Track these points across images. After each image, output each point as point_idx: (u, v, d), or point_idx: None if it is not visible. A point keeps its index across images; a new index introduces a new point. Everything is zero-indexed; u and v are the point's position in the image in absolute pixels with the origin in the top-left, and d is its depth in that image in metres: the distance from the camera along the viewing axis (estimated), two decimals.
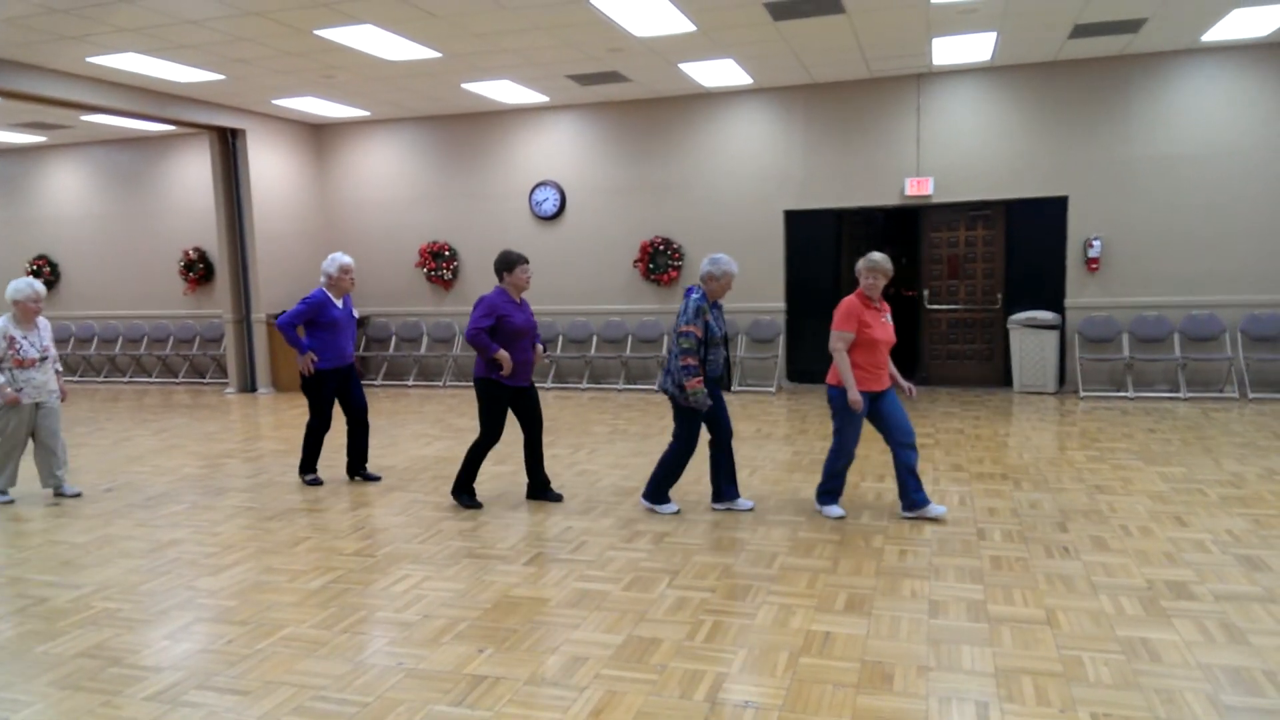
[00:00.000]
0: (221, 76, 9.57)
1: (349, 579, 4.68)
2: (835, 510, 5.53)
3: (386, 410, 10.26)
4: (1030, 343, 10.12)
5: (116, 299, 13.99)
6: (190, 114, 10.77)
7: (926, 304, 10.99)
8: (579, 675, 3.50)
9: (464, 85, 10.31)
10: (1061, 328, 10.15)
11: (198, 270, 13.27)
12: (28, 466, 6.80)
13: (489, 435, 5.88)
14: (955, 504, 5.76)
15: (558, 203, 11.82)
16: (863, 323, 5.25)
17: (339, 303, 6.60)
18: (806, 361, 11.40)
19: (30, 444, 6.51)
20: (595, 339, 11.79)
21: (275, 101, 11.05)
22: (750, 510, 5.75)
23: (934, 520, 5.42)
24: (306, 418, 6.74)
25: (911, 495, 5.43)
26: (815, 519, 5.51)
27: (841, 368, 5.25)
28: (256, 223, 11.85)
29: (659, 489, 5.74)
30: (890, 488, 6.19)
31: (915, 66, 9.95)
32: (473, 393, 11.55)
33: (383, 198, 12.70)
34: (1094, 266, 9.98)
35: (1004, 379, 10.72)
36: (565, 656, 3.67)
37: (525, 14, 7.59)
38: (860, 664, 3.53)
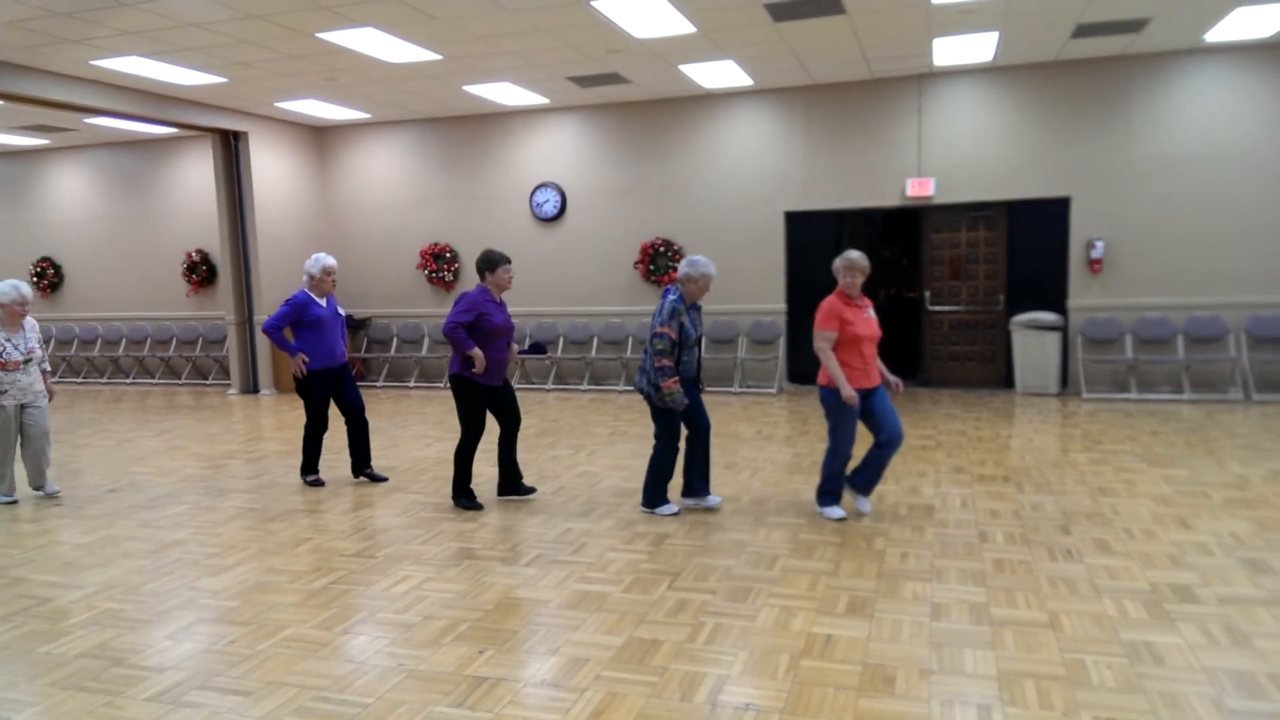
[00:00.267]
0: (224, 79, 9.58)
1: (350, 580, 4.67)
2: (836, 511, 5.52)
3: (388, 411, 10.26)
4: (1032, 344, 10.11)
5: (120, 301, 14.01)
6: (193, 116, 10.79)
7: (928, 305, 10.98)
8: (579, 677, 3.49)
9: (465, 87, 10.31)
10: (1064, 329, 10.13)
11: (200, 272, 13.28)
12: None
13: (470, 434, 5.91)
14: (957, 506, 5.75)
15: (558, 204, 11.82)
16: (844, 320, 5.26)
17: (322, 302, 6.61)
18: (807, 363, 11.39)
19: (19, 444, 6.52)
20: (596, 340, 11.79)
21: (277, 104, 11.06)
22: (716, 508, 5.78)
23: (836, 520, 5.48)
24: (306, 417, 6.75)
25: (862, 484, 5.53)
26: (816, 521, 5.50)
27: (830, 367, 5.26)
28: (259, 225, 11.86)
29: (653, 493, 5.74)
30: (891, 489, 6.19)
31: (916, 67, 9.95)
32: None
33: (384, 199, 12.71)
34: (1097, 267, 9.97)
35: (1006, 381, 10.71)
36: (566, 658, 3.66)
37: (525, 16, 7.59)
38: (862, 667, 3.52)
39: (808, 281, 11.18)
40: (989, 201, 10.39)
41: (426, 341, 12.60)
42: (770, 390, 10.97)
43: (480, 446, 6.03)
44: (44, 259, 14.30)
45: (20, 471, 6.75)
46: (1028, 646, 3.65)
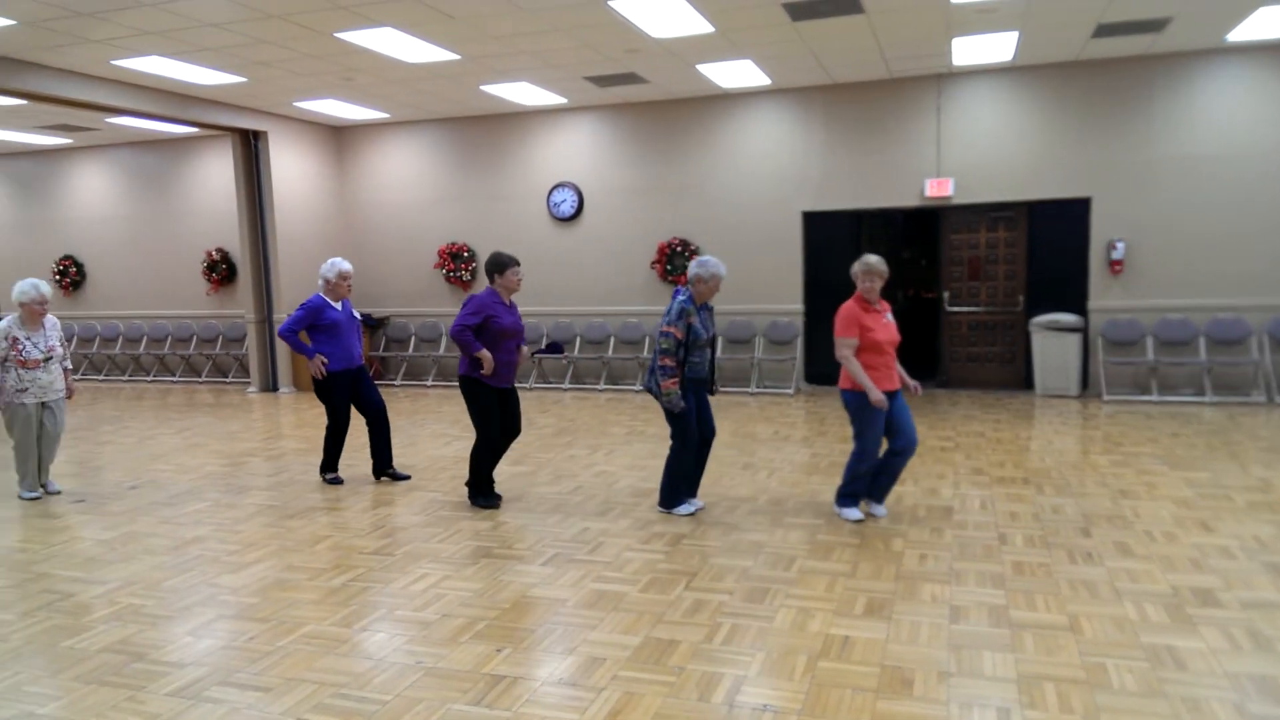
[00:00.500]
0: (243, 79, 9.65)
1: (368, 577, 4.70)
2: (854, 513, 5.50)
3: (406, 410, 10.31)
4: (1052, 345, 10.04)
5: (141, 299, 14.12)
6: (213, 116, 10.87)
7: (947, 306, 10.93)
8: (597, 676, 3.50)
9: (482, 87, 10.34)
10: (1084, 330, 10.06)
11: (220, 271, 13.37)
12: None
13: (486, 435, 5.92)
14: (976, 508, 5.72)
15: (575, 204, 11.83)
16: (864, 326, 5.23)
17: (338, 306, 6.65)
18: (825, 364, 11.34)
19: None
20: (613, 340, 11.80)
21: (296, 104, 11.12)
22: (695, 514, 5.73)
23: (854, 521, 5.46)
24: (326, 418, 6.79)
25: (876, 492, 5.52)
26: (834, 522, 5.48)
27: (854, 372, 5.22)
28: (278, 224, 11.93)
29: (670, 493, 5.73)
30: (910, 491, 6.16)
31: (935, 66, 9.90)
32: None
33: (402, 199, 12.76)
34: (1117, 268, 9.89)
35: (1025, 382, 10.64)
36: (583, 657, 3.67)
37: (543, 16, 7.60)
38: (880, 668, 3.51)
39: (825, 282, 11.15)
40: (1009, 202, 10.33)
41: (444, 340, 12.65)
42: (788, 391, 10.94)
43: (490, 446, 6.00)
44: (66, 257, 14.44)
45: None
46: (1047, 649, 3.63)
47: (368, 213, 12.98)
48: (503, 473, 6.98)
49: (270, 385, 12.36)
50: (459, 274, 12.44)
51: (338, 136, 12.91)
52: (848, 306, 5.31)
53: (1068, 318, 9.95)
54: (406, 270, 12.82)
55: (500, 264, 5.85)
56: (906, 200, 10.55)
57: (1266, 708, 3.13)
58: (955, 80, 10.24)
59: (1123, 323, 9.92)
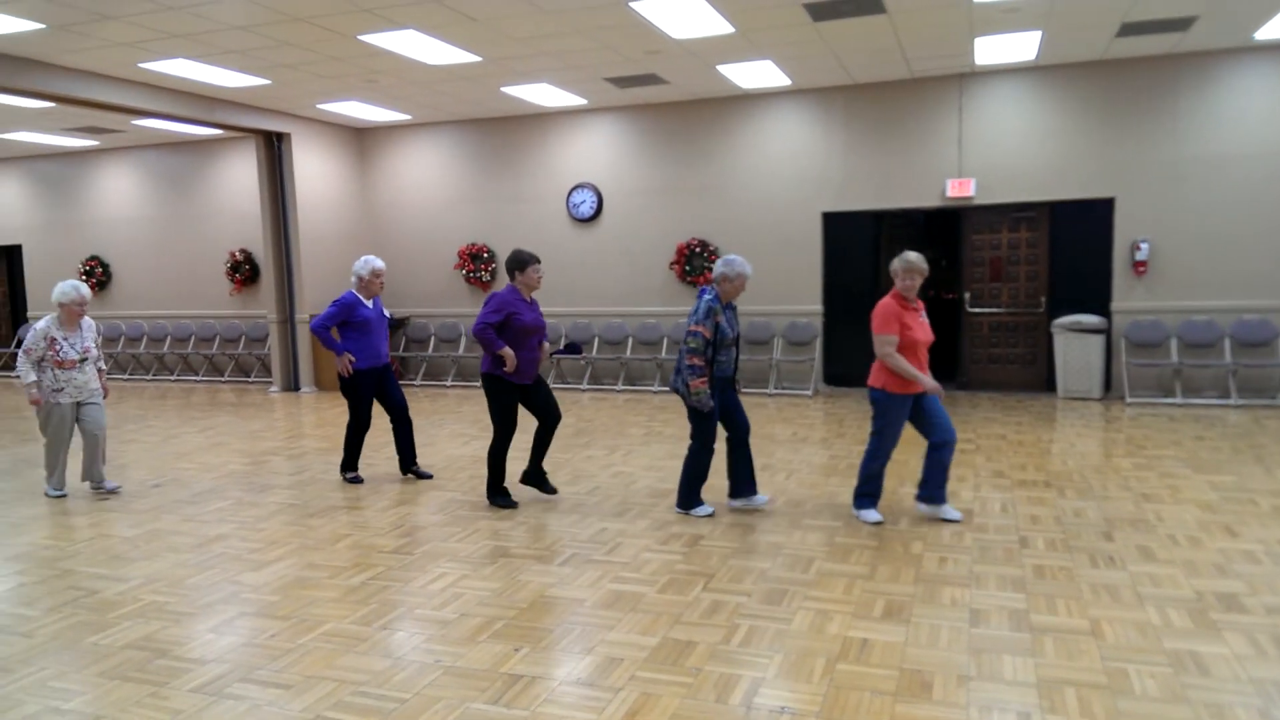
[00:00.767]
0: (267, 81, 9.73)
1: (388, 576, 4.73)
2: (873, 515, 5.47)
3: (425, 410, 10.36)
4: (1075, 347, 9.96)
5: (165, 299, 14.27)
6: (237, 118, 10.97)
7: (968, 307, 10.86)
8: (614, 676, 3.50)
9: (503, 89, 10.38)
10: (1107, 332, 9.97)
11: (244, 271, 13.50)
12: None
13: (503, 432, 5.95)
14: (997, 511, 5.68)
15: (595, 205, 11.85)
16: (903, 324, 5.19)
17: (369, 303, 6.71)
18: (844, 365, 11.31)
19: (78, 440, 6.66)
20: (631, 341, 11.81)
21: (319, 105, 11.21)
22: (764, 506, 5.76)
23: (949, 522, 5.40)
24: (348, 417, 6.84)
25: (933, 490, 5.44)
26: (852, 524, 5.46)
27: (901, 368, 5.16)
28: (301, 225, 12.02)
29: (688, 494, 5.73)
30: None
31: (957, 66, 9.85)
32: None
33: (423, 200, 12.83)
34: (1141, 269, 9.80)
35: (1047, 384, 10.55)
36: (600, 657, 3.68)
37: (564, 18, 7.62)
38: (899, 672, 3.49)
39: (845, 283, 11.12)
40: (1031, 202, 10.26)
41: (464, 341, 12.70)
42: (806, 392, 10.91)
43: (513, 446, 6.03)
44: (92, 257, 14.61)
45: (73, 467, 6.89)
46: (1069, 654, 3.60)
47: (389, 213, 13.06)
48: (517, 473, 6.99)
49: (292, 385, 12.45)
50: (479, 275, 12.49)
51: (360, 138, 12.99)
52: (887, 303, 5.25)
53: (1090, 319, 9.86)
54: (427, 271, 12.88)
55: (521, 261, 5.87)
56: (928, 200, 10.49)
57: None
58: (977, 80, 10.18)
59: (1146, 324, 9.83)
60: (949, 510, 5.47)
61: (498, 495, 6.07)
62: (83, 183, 14.63)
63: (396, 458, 7.10)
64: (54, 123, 11.89)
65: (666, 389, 11.51)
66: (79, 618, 4.26)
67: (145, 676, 3.61)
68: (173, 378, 14.11)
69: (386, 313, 6.95)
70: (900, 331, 5.18)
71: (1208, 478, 6.38)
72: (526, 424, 6.63)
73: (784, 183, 11.03)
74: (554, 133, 12.01)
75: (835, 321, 11.17)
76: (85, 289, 6.46)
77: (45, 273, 15.14)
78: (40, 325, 6.34)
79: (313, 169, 12.19)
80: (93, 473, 6.68)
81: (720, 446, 5.78)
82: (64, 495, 6.62)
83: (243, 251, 13.50)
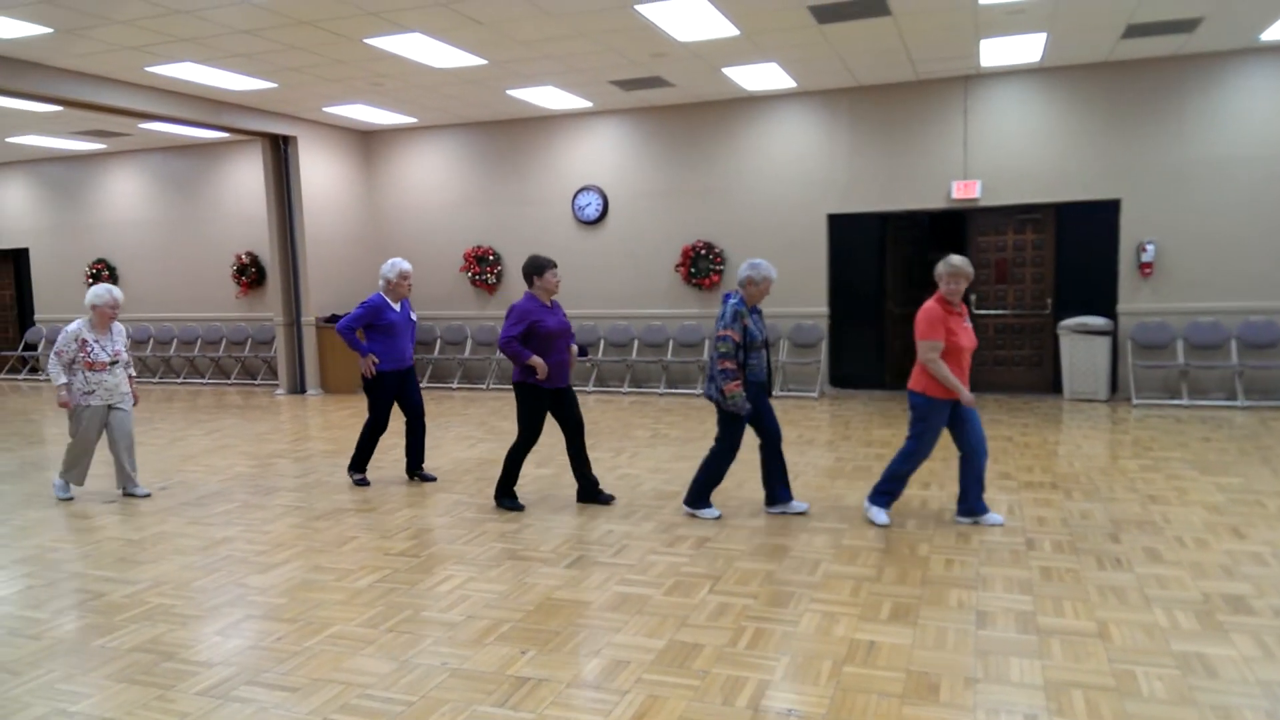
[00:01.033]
0: (274, 85, 9.76)
1: (395, 579, 4.73)
2: (882, 516, 5.44)
3: (431, 412, 10.36)
4: (1081, 349, 9.94)
5: (171, 302, 14.31)
6: (243, 121, 11.00)
7: (973, 309, 10.84)
8: (621, 679, 3.50)
9: (508, 91, 10.40)
10: (1113, 334, 9.95)
11: (250, 274, 13.53)
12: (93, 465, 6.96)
13: (527, 437, 5.95)
14: (1003, 513, 5.66)
15: (600, 207, 11.86)
16: (948, 329, 5.11)
17: (396, 306, 6.73)
18: (849, 367, 11.31)
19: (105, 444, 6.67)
20: (636, 343, 11.81)
21: (326, 109, 11.24)
22: (804, 513, 5.73)
23: (991, 527, 5.35)
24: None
25: (973, 502, 5.38)
26: (859, 526, 5.46)
27: (942, 376, 5.10)
28: (307, 228, 12.05)
29: (700, 493, 5.73)
30: (936, 495, 6.12)
31: (962, 68, 9.84)
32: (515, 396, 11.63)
33: (428, 203, 12.85)
34: (1147, 271, 9.78)
35: (1053, 386, 10.53)
36: (607, 660, 3.68)
37: (569, 21, 7.64)
38: (906, 674, 3.49)
39: (850, 285, 11.12)
40: (1036, 204, 10.24)
41: (469, 343, 12.72)
42: (812, 394, 10.90)
43: (527, 449, 6.03)
44: (99, 260, 14.66)
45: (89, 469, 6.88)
46: (1076, 656, 3.59)
47: (395, 216, 13.09)
48: (527, 475, 7.01)
49: (298, 387, 12.48)
50: (484, 277, 12.51)
51: (366, 141, 13.02)
52: (931, 308, 5.17)
53: (1096, 320, 9.85)
54: (432, 273, 12.90)
55: (538, 266, 5.87)
56: (933, 202, 10.48)
57: None
58: (982, 82, 10.17)
59: (1152, 326, 9.81)
60: (992, 517, 5.41)
61: (506, 497, 6.07)
62: (90, 186, 14.68)
63: (404, 461, 7.10)
64: (61, 126, 11.93)
65: (673, 391, 11.51)
66: (86, 620, 4.28)
67: (152, 679, 3.62)
68: (179, 380, 14.15)
69: (414, 316, 6.98)
70: (945, 337, 5.12)
71: (1214, 479, 6.36)
72: (550, 432, 6.63)
73: (789, 185, 11.02)
74: (559, 135, 12.02)
75: (841, 324, 11.16)
76: (119, 292, 6.50)
77: (52, 276, 15.21)
78: (72, 327, 6.38)
79: (319, 172, 12.22)
80: (125, 478, 6.68)
81: (745, 455, 5.73)
82: (70, 499, 6.64)
83: (249, 254, 13.53)
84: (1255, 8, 7.84)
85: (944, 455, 7.38)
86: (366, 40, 8.08)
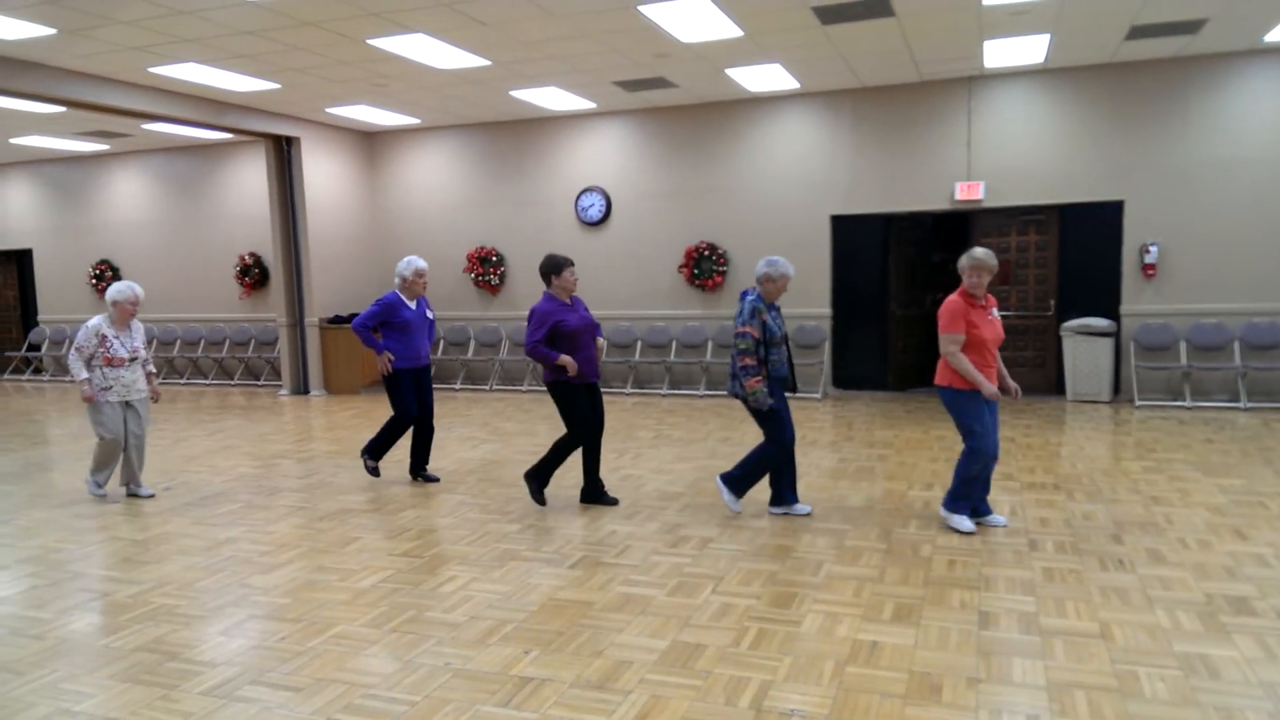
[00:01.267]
0: (277, 85, 9.77)
1: (398, 579, 4.74)
2: (966, 523, 5.24)
3: (435, 413, 10.35)
4: (1084, 350, 9.93)
5: (175, 302, 14.33)
6: (247, 122, 11.02)
7: None
8: (624, 679, 3.51)
9: (512, 92, 10.41)
10: (1116, 335, 9.94)
11: (253, 275, 13.55)
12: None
13: (579, 431, 5.92)
14: (1006, 514, 5.66)
15: (603, 208, 11.87)
16: (970, 322, 5.09)
17: (412, 304, 6.75)
18: (853, 368, 11.31)
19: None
20: (639, 344, 11.82)
21: (329, 110, 11.25)
22: (808, 515, 5.73)
23: (994, 528, 5.34)
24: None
25: (976, 503, 5.37)
26: (861, 527, 5.46)
27: (962, 368, 5.08)
28: (310, 228, 12.07)
29: (742, 480, 5.69)
30: (938, 496, 6.12)
31: (966, 69, 9.84)
32: (522, 399, 11.64)
33: (432, 204, 12.86)
34: (1150, 272, 9.77)
35: (1056, 387, 10.53)
36: (610, 660, 3.68)
37: (573, 21, 7.64)
38: (908, 674, 3.49)
39: (853, 286, 11.12)
40: (1040, 205, 10.24)
41: (473, 344, 12.73)
42: (815, 395, 10.90)
43: (576, 445, 6.02)
44: (102, 261, 14.69)
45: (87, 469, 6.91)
46: (1078, 657, 3.59)
47: (398, 217, 13.10)
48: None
49: (302, 388, 12.49)
50: (488, 278, 12.52)
51: (369, 142, 13.04)
52: (953, 301, 5.16)
53: (1099, 322, 9.84)
54: (436, 274, 12.88)
55: (556, 265, 5.88)
56: (936, 203, 10.48)
57: None
58: (986, 83, 10.17)
59: (1155, 327, 9.80)
60: (995, 519, 5.40)
61: (537, 481, 6.05)
62: (93, 187, 14.71)
63: (408, 461, 7.10)
64: (64, 127, 11.96)
65: (676, 392, 11.52)
66: (90, 620, 4.29)
67: (156, 679, 3.63)
68: (182, 381, 14.17)
69: (431, 315, 6.99)
70: (966, 330, 5.11)
71: (1217, 481, 6.36)
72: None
73: (792, 186, 11.03)
74: (562, 136, 12.03)
75: (844, 325, 11.16)
76: (140, 289, 6.53)
77: (55, 277, 15.24)
78: (93, 323, 6.40)
79: (322, 173, 12.24)
80: (130, 477, 6.69)
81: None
82: (104, 495, 6.63)
83: (252, 255, 13.55)
84: (1259, 9, 7.83)
85: (946, 456, 7.39)
86: (370, 41, 8.10)
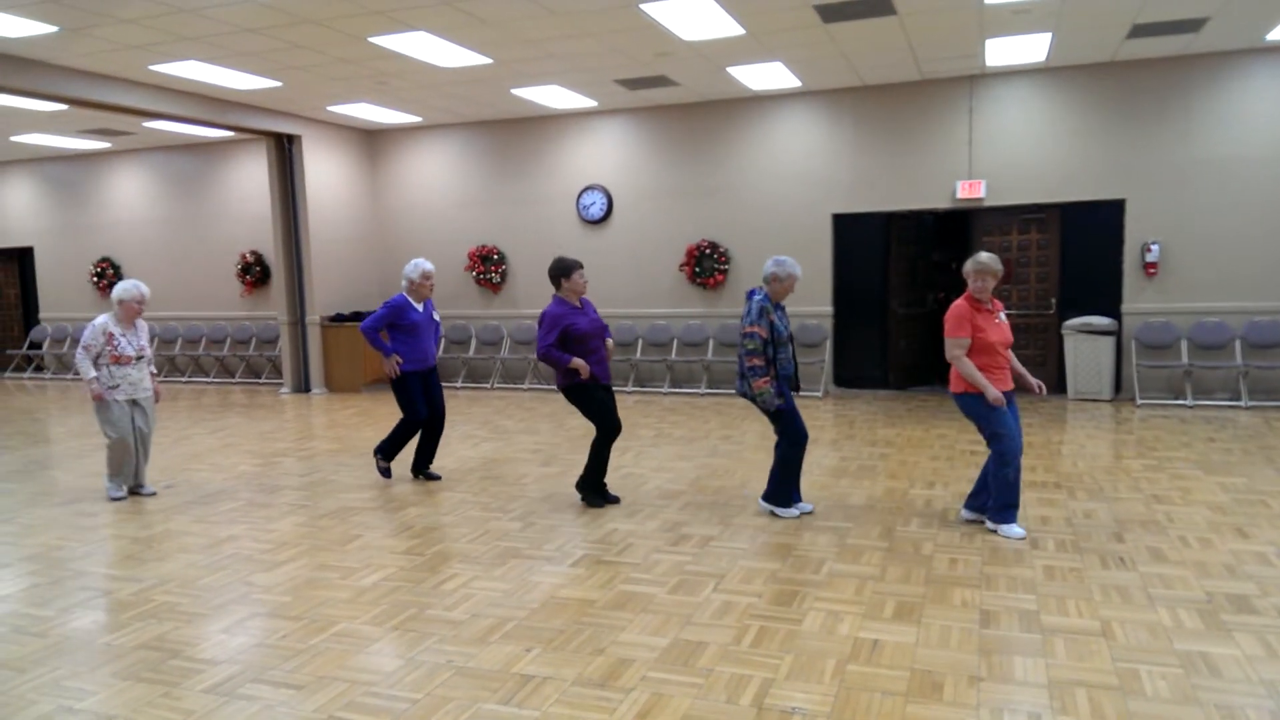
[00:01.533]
0: (278, 83, 9.77)
1: (399, 577, 4.74)
2: (1016, 530, 5.13)
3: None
4: (1085, 349, 9.93)
5: (176, 301, 14.34)
6: (248, 120, 11.02)
7: None
8: (625, 677, 3.51)
9: (513, 91, 10.40)
10: (1118, 334, 9.94)
11: (254, 273, 13.55)
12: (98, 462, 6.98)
13: (605, 428, 5.92)
14: None
15: (605, 207, 11.87)
16: (975, 326, 5.08)
17: (419, 306, 6.75)
18: (854, 367, 11.31)
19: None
20: (641, 342, 11.81)
21: (330, 108, 11.25)
22: (809, 513, 5.73)
23: (1018, 539, 5.14)
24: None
25: (984, 500, 5.34)
26: (863, 525, 5.46)
27: (967, 373, 5.07)
28: (311, 226, 12.07)
29: (779, 491, 5.68)
30: (940, 494, 6.12)
31: (967, 68, 9.83)
32: (524, 397, 11.64)
33: (433, 202, 12.86)
34: (1152, 271, 9.77)
35: (1058, 386, 10.52)
36: (612, 658, 3.68)
37: (574, 20, 7.64)
38: (909, 672, 3.49)
39: (855, 285, 11.12)
40: (1041, 204, 10.23)
41: (474, 343, 12.73)
42: (816, 394, 10.90)
43: (609, 440, 6.02)
44: (104, 259, 14.69)
45: (95, 466, 6.91)
46: (1079, 655, 3.60)
47: (399, 215, 13.10)
48: (531, 474, 7.03)
49: (303, 386, 12.50)
50: (489, 276, 12.52)
51: (370, 140, 13.04)
52: (959, 305, 5.15)
53: (1100, 320, 9.84)
54: (437, 273, 12.80)
55: (565, 269, 5.89)
56: (938, 202, 10.48)
57: None
58: (987, 81, 10.16)
59: (1157, 326, 9.80)
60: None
61: (593, 493, 6.04)
62: (94, 185, 14.72)
63: (411, 459, 7.10)
64: (66, 125, 11.96)
65: (677, 390, 11.52)
66: (92, 618, 4.29)
67: (158, 677, 3.63)
68: (184, 379, 14.18)
69: (437, 316, 7.00)
70: (972, 334, 5.10)
71: (1218, 479, 6.36)
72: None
73: (794, 184, 11.02)
74: (564, 135, 12.03)
75: (845, 323, 11.16)
76: (146, 288, 6.53)
77: (57, 275, 15.25)
78: (99, 321, 6.41)
79: (323, 171, 12.24)
80: (137, 475, 6.70)
81: (758, 456, 5.74)
82: (123, 498, 6.60)
83: (254, 253, 13.55)
84: (1261, 7, 7.82)
85: (947, 455, 7.39)
86: (371, 39, 8.10)
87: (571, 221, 12.11)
